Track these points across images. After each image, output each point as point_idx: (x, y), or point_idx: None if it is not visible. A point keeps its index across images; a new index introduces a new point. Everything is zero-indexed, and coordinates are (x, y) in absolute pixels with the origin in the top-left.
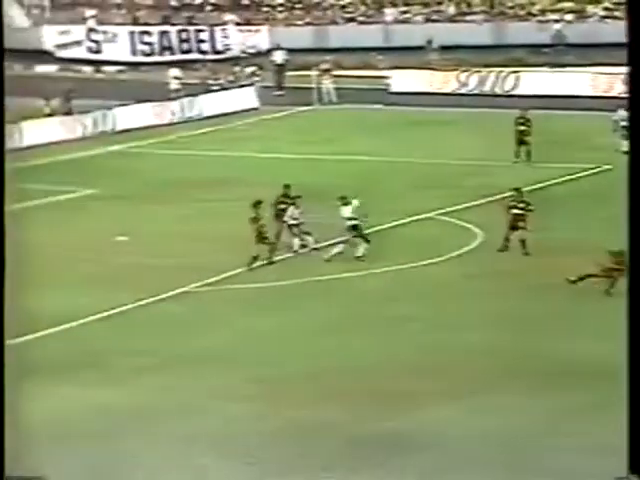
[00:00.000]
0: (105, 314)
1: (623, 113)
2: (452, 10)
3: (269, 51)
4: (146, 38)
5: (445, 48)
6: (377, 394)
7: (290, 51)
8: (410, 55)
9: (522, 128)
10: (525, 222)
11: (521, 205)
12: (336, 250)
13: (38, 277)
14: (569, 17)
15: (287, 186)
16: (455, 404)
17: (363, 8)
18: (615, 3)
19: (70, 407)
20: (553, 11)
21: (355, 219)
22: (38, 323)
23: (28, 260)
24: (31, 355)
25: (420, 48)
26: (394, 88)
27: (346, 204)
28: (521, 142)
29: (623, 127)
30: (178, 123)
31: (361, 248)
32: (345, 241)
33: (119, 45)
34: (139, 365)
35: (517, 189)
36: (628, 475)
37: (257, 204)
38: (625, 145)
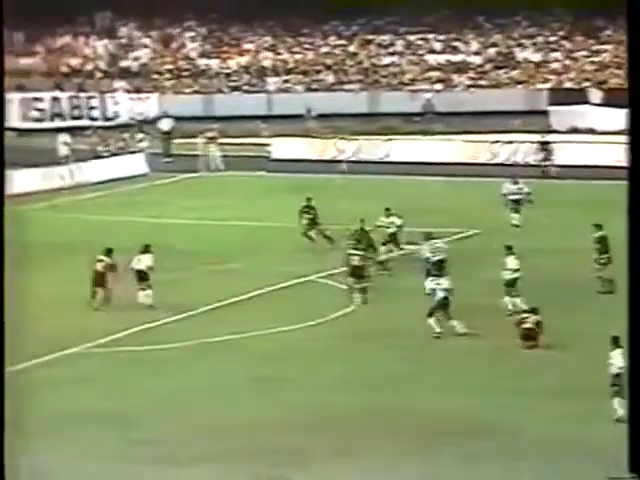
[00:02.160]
0: None
1: (510, 186)
2: (331, 79)
3: (157, 119)
4: (37, 104)
5: (323, 116)
6: (259, 452)
7: (178, 119)
8: (291, 123)
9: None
10: None
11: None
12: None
13: None
14: (438, 86)
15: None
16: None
17: (247, 77)
18: (479, 72)
19: None
20: (423, 80)
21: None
22: None
23: None
24: None
25: (300, 116)
26: (275, 155)
27: None
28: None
29: (512, 200)
30: (66, 188)
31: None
32: None
33: (10, 111)
34: (23, 430)
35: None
36: (628, 475)
37: (108, 252)
38: (516, 219)
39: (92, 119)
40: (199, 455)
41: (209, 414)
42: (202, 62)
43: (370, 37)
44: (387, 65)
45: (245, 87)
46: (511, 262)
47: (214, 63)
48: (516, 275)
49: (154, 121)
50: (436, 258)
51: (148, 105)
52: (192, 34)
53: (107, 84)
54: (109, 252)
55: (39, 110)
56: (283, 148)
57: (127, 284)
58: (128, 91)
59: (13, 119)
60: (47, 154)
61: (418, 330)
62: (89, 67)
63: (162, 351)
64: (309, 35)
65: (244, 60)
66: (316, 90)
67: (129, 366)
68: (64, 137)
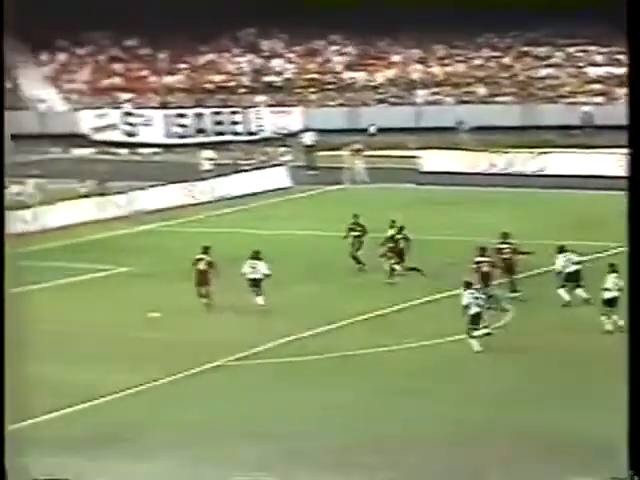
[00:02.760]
0: (138, 389)
1: None
2: (483, 92)
3: (300, 132)
4: (181, 120)
5: (475, 129)
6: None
7: (322, 132)
8: (440, 135)
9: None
10: None
11: None
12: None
13: (74, 352)
14: (598, 99)
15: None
16: None
17: (394, 89)
18: None
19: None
20: (582, 93)
21: None
22: (73, 398)
23: (64, 335)
24: (65, 429)
25: (451, 129)
26: (425, 167)
27: None
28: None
29: None
30: (208, 202)
31: None
32: None
33: (154, 128)
34: (173, 439)
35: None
36: (628, 474)
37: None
38: None
39: (235, 134)
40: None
41: (356, 429)
42: (347, 75)
43: (526, 49)
44: (543, 77)
45: (392, 99)
46: None
47: (360, 76)
48: None
49: (297, 134)
50: (568, 270)
51: (291, 119)
52: (337, 48)
53: (250, 99)
54: (206, 250)
55: (182, 126)
56: (433, 160)
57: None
58: (271, 105)
59: (157, 135)
60: (190, 169)
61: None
62: (233, 83)
63: (305, 363)
64: (461, 47)
65: (391, 73)
66: (467, 102)
67: (273, 378)
68: (207, 153)
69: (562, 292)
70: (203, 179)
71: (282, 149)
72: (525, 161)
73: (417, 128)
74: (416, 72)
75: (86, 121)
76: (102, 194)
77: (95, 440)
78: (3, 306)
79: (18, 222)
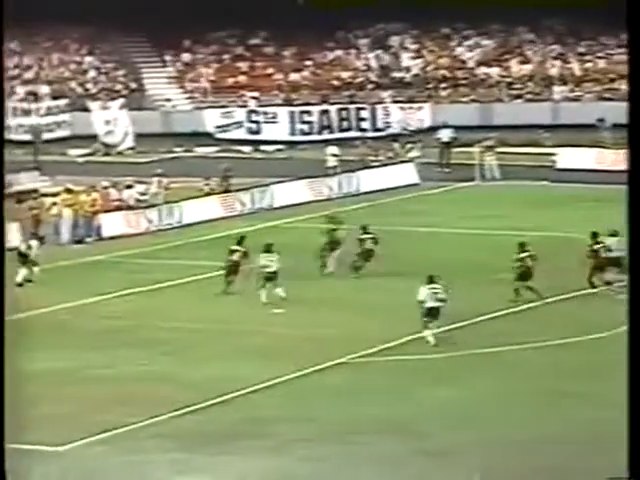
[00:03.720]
0: (267, 384)
1: None
2: (625, 88)
3: (434, 129)
4: (306, 117)
5: (617, 126)
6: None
7: (454, 128)
8: (578, 133)
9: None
10: None
11: None
12: None
13: (206, 349)
14: None
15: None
16: None
17: (531, 85)
18: None
19: (241, 475)
20: None
21: None
22: (204, 393)
23: (194, 334)
24: (196, 424)
25: (590, 126)
26: (561, 165)
27: None
28: None
29: None
30: (335, 199)
31: None
32: None
33: (279, 125)
34: (303, 434)
35: None
36: (628, 477)
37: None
38: None
39: (362, 130)
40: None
41: (495, 427)
42: (481, 71)
43: None
44: None
45: (528, 96)
46: None
47: (494, 71)
48: None
49: (427, 131)
50: None
51: (421, 115)
52: (470, 42)
53: (378, 95)
54: (242, 240)
55: (307, 123)
56: (570, 157)
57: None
58: (399, 101)
59: (282, 132)
60: (316, 166)
61: None
62: (360, 79)
63: (444, 360)
64: (602, 44)
65: (528, 68)
66: (609, 99)
67: (398, 375)
68: (333, 149)
69: None
70: (329, 175)
71: (409, 145)
72: None
73: (553, 125)
74: (554, 68)
75: (210, 120)
76: (226, 191)
77: (227, 434)
78: (3, 305)
79: (143, 221)
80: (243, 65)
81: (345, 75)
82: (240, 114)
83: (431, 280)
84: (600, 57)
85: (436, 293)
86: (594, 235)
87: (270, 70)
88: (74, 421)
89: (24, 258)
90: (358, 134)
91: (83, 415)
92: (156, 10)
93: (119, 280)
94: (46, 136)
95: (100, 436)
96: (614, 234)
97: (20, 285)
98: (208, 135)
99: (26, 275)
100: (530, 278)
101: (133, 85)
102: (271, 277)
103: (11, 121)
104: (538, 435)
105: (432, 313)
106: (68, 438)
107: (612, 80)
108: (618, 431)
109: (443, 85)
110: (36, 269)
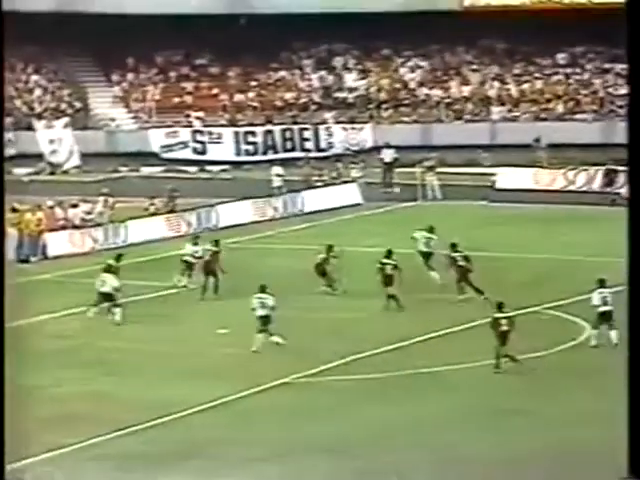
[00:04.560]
0: (208, 405)
1: None
2: (561, 108)
3: (376, 149)
4: (250, 138)
5: (553, 146)
6: None
7: (396, 148)
8: (516, 153)
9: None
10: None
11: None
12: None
13: (143, 369)
14: None
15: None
16: None
17: (470, 106)
18: None
19: None
20: None
21: None
22: (143, 414)
23: (133, 353)
24: (138, 445)
25: (527, 146)
26: (500, 185)
27: None
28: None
29: None
30: (280, 219)
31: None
32: None
33: (224, 145)
34: (248, 455)
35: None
36: (628, 477)
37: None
38: None
39: (305, 150)
40: None
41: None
42: (422, 91)
43: (607, 66)
44: (624, 95)
45: (467, 116)
46: None
47: (435, 92)
48: None
49: (369, 151)
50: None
51: (363, 135)
52: (411, 64)
53: (321, 116)
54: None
55: (252, 143)
56: (508, 178)
57: None
58: (342, 122)
59: (227, 153)
60: (260, 186)
61: None
62: (303, 100)
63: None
64: (537, 64)
65: (467, 89)
66: (545, 119)
67: (343, 395)
68: (277, 169)
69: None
70: (274, 195)
71: (352, 165)
72: (604, 179)
73: (492, 145)
74: (492, 89)
75: (156, 139)
76: (171, 211)
77: (169, 455)
78: (3, 310)
79: (89, 240)
80: (188, 85)
81: (289, 96)
82: (185, 134)
83: (262, 290)
84: (537, 78)
85: (263, 303)
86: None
87: (215, 90)
88: (18, 440)
89: None
90: (302, 154)
91: (27, 434)
92: (102, 30)
93: (64, 299)
94: None
95: (43, 456)
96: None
97: None
98: (153, 155)
99: None
100: (391, 285)
101: (78, 104)
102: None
103: None
104: (477, 453)
105: (264, 321)
106: (11, 457)
107: (548, 100)
108: (559, 448)
109: (385, 106)
110: None
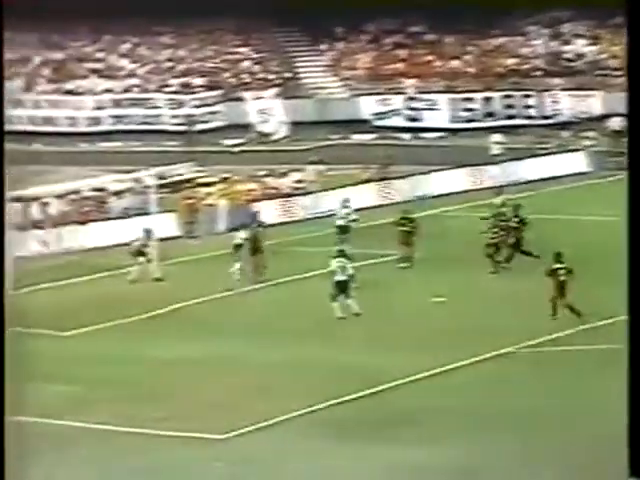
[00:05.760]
0: (424, 374)
1: None
2: None
3: (605, 117)
4: (468, 104)
5: None
6: None
7: (624, 117)
8: None
9: None
10: None
11: None
12: None
13: (353, 338)
14: None
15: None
16: None
17: None
18: None
19: (388, 465)
20: None
21: None
22: (354, 383)
23: (346, 322)
24: (352, 414)
25: None
26: None
27: None
28: None
29: None
30: (499, 187)
31: None
32: None
33: (439, 112)
34: (460, 425)
35: None
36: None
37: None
38: None
39: (528, 118)
40: None
41: None
42: None
43: None
44: None
45: None
46: None
47: None
48: None
49: (598, 119)
50: None
51: (591, 103)
52: None
53: (545, 83)
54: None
55: (470, 110)
56: None
57: None
58: (569, 89)
59: (442, 120)
60: (478, 154)
61: None
62: (526, 66)
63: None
64: None
65: None
66: None
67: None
68: (496, 136)
69: None
70: (493, 163)
71: (582, 134)
72: None
73: None
74: None
75: (367, 107)
76: (384, 179)
77: (380, 424)
78: (3, 305)
79: (299, 208)
80: (402, 53)
81: (509, 62)
82: (398, 101)
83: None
84: None
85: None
86: None
87: (430, 57)
88: (231, 410)
89: (140, 254)
90: (524, 122)
91: (239, 403)
92: (309, 1)
93: (275, 267)
94: (201, 127)
95: (259, 424)
96: None
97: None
98: (365, 122)
99: (140, 271)
100: None
101: (287, 74)
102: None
103: (165, 113)
104: None
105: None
106: (229, 427)
107: None
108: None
109: (615, 73)
110: (152, 265)
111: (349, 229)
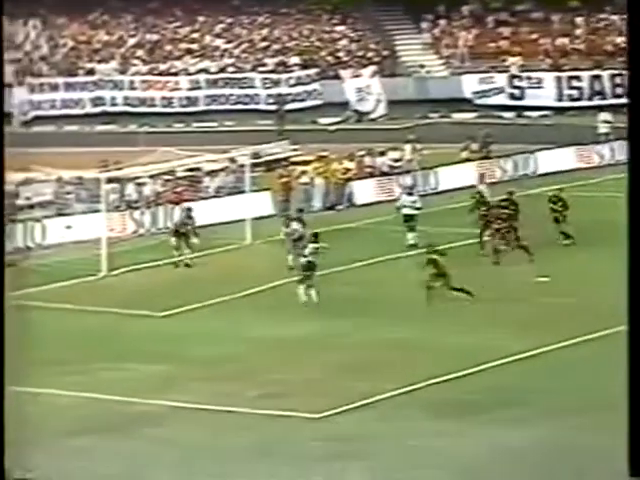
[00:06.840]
0: (526, 354)
1: None
2: None
3: None
4: (574, 83)
5: None
6: None
7: None
8: None
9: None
10: None
11: None
12: None
13: (458, 318)
14: None
15: None
16: None
17: None
18: None
19: (486, 446)
20: None
21: None
22: (455, 361)
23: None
24: (453, 393)
25: None
26: None
27: None
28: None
29: None
30: (606, 166)
31: None
32: None
33: (544, 91)
34: (563, 405)
35: None
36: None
37: None
38: None
39: None
40: None
41: None
42: None
43: None
44: None
45: None
46: None
47: None
48: None
49: None
50: None
51: None
52: None
53: None
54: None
55: (577, 89)
56: None
57: None
58: None
59: (547, 98)
60: (584, 133)
61: None
62: None
63: None
64: None
65: None
66: None
67: None
68: (605, 115)
69: None
70: (600, 142)
71: None
72: None
73: None
74: None
75: (468, 86)
76: (485, 157)
77: (482, 405)
78: (3, 307)
79: (397, 188)
80: (505, 30)
81: (620, 40)
82: (501, 79)
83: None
84: None
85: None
86: None
87: (535, 35)
88: (327, 388)
89: (182, 237)
90: None
91: (334, 382)
92: None
93: (371, 247)
94: (296, 105)
95: (355, 404)
96: None
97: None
98: (466, 101)
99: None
100: None
101: (385, 52)
102: None
103: (261, 92)
104: None
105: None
106: (324, 406)
107: None
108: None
109: None
110: (187, 251)
111: (415, 217)
